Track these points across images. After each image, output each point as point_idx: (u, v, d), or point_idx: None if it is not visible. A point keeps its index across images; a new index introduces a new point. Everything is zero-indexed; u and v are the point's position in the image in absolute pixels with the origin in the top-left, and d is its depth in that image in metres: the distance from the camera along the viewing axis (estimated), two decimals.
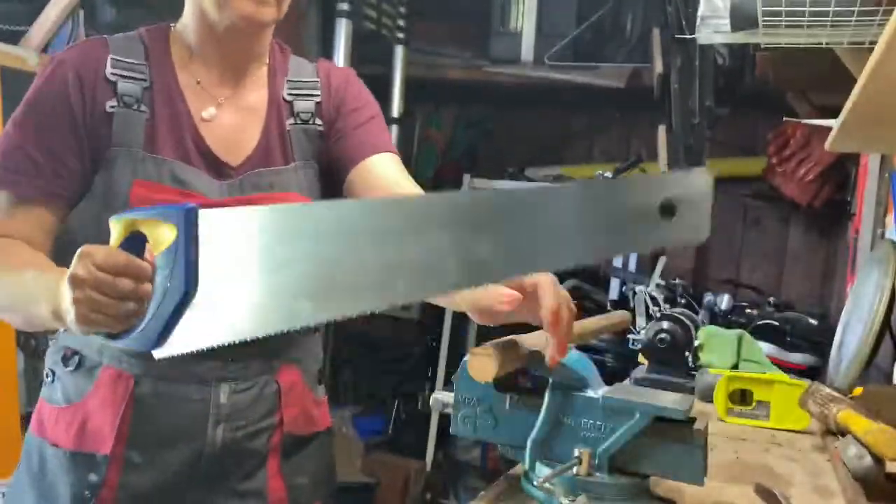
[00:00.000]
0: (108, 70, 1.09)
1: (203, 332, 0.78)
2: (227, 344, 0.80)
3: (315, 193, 1.19)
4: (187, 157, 1.11)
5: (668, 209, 0.61)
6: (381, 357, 3.70)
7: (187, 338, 0.78)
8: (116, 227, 0.85)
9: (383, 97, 3.29)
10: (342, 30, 2.93)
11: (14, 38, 2.32)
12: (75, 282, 0.84)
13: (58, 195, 1.08)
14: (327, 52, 2.98)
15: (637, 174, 0.63)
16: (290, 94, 1.19)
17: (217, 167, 1.12)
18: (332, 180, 1.21)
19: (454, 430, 0.97)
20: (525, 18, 3.31)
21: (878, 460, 0.98)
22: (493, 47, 3.37)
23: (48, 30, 2.33)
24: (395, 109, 3.29)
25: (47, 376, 1.15)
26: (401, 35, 3.25)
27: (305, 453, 1.21)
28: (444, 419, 1.23)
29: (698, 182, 0.62)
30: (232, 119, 1.16)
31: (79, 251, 0.85)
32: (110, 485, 1.08)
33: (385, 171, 1.18)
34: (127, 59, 1.11)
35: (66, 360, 1.12)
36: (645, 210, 0.62)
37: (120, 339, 0.85)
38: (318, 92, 1.21)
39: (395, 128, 3.29)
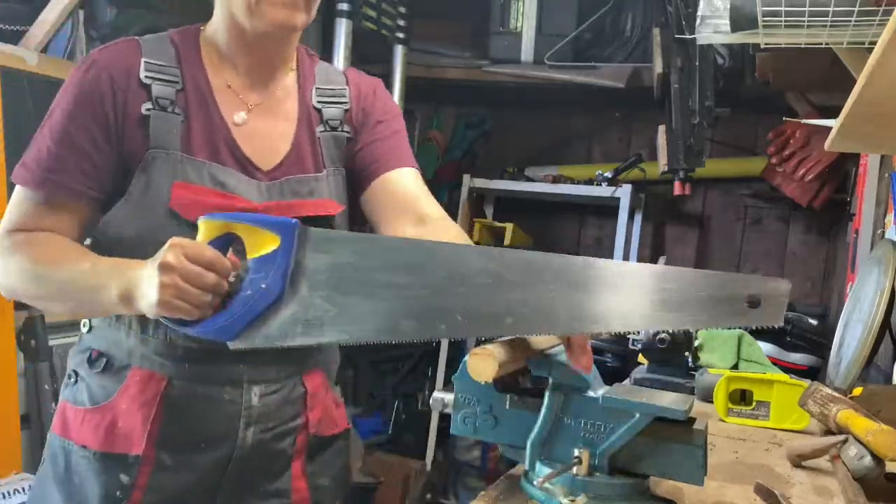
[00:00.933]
0: (143, 73, 1.10)
1: (284, 332, 0.89)
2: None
3: (343, 199, 1.21)
4: (221, 160, 1.12)
5: (754, 303, 0.78)
6: (381, 357, 3.70)
7: (267, 336, 0.89)
8: (208, 226, 0.94)
9: None
10: (342, 29, 2.93)
11: (14, 38, 2.32)
12: (165, 268, 0.90)
13: (85, 194, 1.09)
14: (327, 51, 2.98)
15: (734, 275, 0.81)
16: (319, 102, 1.21)
17: (249, 171, 1.13)
18: (354, 186, 1.24)
19: (454, 430, 0.97)
20: (525, 18, 3.31)
21: (879, 460, 0.98)
22: (493, 47, 3.37)
23: (48, 30, 2.33)
24: None
25: (70, 378, 1.16)
26: (401, 35, 3.24)
27: (327, 455, 1.24)
28: (445, 419, 1.24)
29: (781, 287, 0.79)
30: (262, 125, 1.16)
31: (169, 241, 0.93)
32: (141, 486, 1.09)
33: (407, 186, 1.22)
34: (160, 63, 1.12)
35: (92, 362, 1.13)
36: (736, 300, 0.79)
37: (194, 328, 0.93)
38: (346, 99, 1.23)
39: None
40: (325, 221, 1.15)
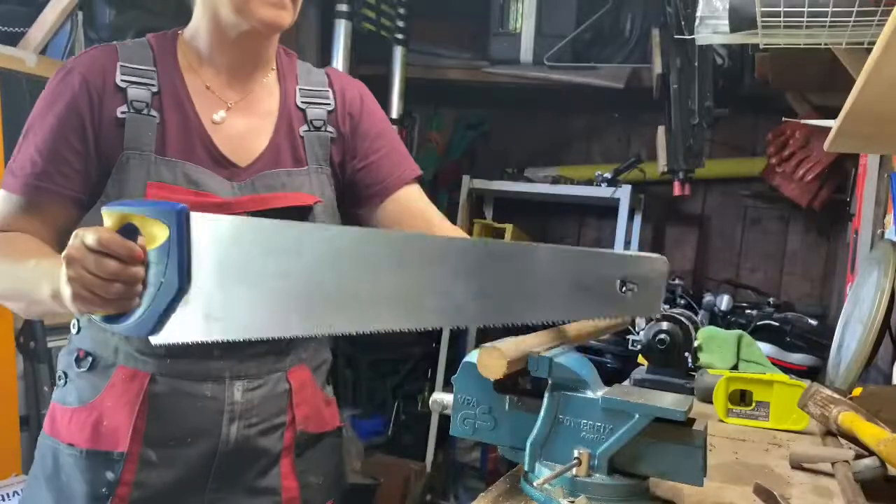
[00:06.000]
0: (118, 77, 1.12)
1: (196, 326, 0.84)
2: (232, 340, 0.87)
3: (328, 196, 1.22)
4: (197, 159, 1.13)
5: (627, 286, 0.70)
6: (381, 358, 3.70)
7: (182, 329, 0.85)
8: (110, 218, 0.89)
9: (383, 98, 3.29)
10: (341, 31, 2.93)
11: (13, 40, 2.32)
12: (69, 260, 0.88)
13: (66, 196, 1.11)
14: (326, 52, 2.98)
15: (600, 251, 0.72)
16: (303, 102, 1.22)
17: (226, 167, 1.15)
18: (355, 200, 1.27)
19: (454, 431, 0.97)
20: (524, 19, 3.31)
21: (882, 464, 0.98)
22: (493, 48, 3.37)
23: (47, 32, 2.33)
24: (395, 110, 3.29)
25: (59, 379, 1.17)
26: (400, 36, 3.25)
27: (317, 452, 1.24)
28: (444, 420, 1.24)
29: (657, 266, 0.70)
30: (242, 123, 1.18)
31: (74, 233, 0.90)
32: (126, 482, 1.10)
33: (417, 203, 1.27)
34: (136, 66, 1.14)
35: (79, 362, 1.14)
36: (607, 283, 0.71)
37: (116, 323, 0.89)
38: (329, 100, 1.24)
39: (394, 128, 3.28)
40: (300, 212, 1.16)
